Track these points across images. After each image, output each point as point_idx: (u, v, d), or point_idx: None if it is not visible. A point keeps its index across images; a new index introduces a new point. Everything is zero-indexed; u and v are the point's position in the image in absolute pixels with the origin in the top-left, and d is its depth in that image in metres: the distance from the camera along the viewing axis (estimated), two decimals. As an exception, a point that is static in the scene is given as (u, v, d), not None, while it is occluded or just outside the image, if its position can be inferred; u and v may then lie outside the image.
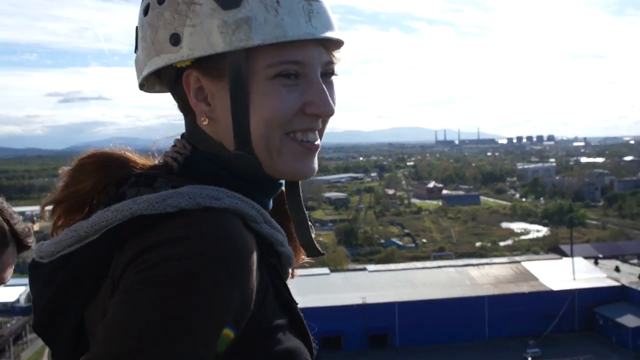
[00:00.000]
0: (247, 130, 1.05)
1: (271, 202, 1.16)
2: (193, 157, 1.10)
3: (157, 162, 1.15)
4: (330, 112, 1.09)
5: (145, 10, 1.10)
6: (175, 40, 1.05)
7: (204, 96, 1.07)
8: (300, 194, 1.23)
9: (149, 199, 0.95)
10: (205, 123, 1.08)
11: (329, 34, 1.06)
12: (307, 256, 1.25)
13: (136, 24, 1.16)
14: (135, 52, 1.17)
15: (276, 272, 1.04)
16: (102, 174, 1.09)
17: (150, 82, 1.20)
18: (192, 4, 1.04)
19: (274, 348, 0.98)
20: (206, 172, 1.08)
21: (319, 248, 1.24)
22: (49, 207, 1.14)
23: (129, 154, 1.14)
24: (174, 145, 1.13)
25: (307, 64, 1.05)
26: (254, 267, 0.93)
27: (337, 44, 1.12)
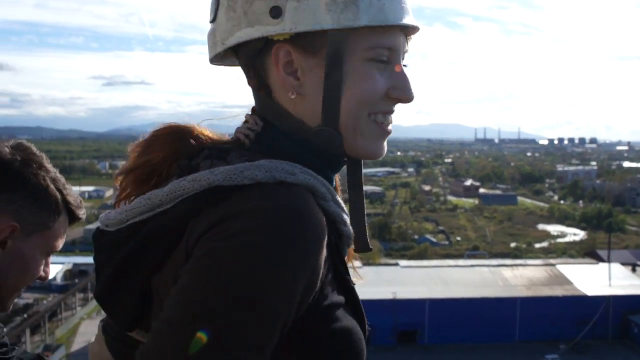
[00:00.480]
0: (337, 108, 1.07)
1: (334, 179, 1.18)
2: (265, 132, 1.11)
3: (227, 137, 1.16)
4: (412, 98, 1.12)
5: None
6: (277, 13, 1.04)
7: (293, 70, 1.08)
8: (362, 173, 1.23)
9: (227, 170, 0.96)
10: (292, 97, 1.09)
11: (414, 22, 1.12)
12: (355, 250, 1.21)
13: None
14: (211, 22, 1.15)
15: (337, 250, 1.05)
16: (175, 145, 1.10)
17: (224, 55, 1.19)
18: None
19: (331, 325, 0.99)
20: (277, 147, 1.08)
21: (369, 243, 1.22)
22: (120, 177, 1.17)
23: (201, 128, 1.15)
24: (246, 121, 1.14)
25: (396, 50, 1.10)
26: (324, 244, 0.94)
27: (413, 32, 1.16)
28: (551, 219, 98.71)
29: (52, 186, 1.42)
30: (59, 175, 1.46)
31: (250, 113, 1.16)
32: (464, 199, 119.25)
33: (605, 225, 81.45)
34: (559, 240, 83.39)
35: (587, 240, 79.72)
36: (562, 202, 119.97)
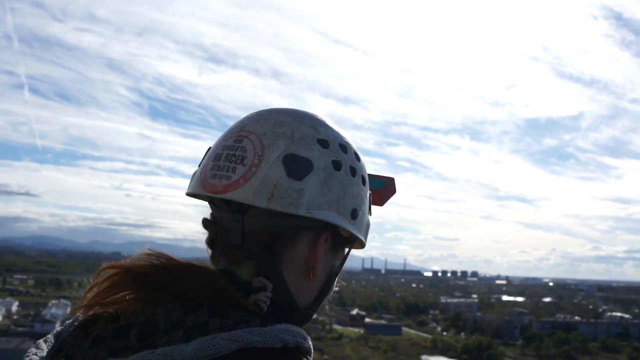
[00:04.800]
0: (324, 297, 1.27)
1: None
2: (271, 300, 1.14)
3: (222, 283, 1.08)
4: None
5: (338, 166, 1.18)
6: (355, 215, 1.20)
7: (321, 258, 1.19)
8: None
9: (264, 333, 0.97)
10: (312, 278, 1.19)
11: None
12: None
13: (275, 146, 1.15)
14: (293, 178, 1.13)
15: None
16: (215, 297, 1.04)
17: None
18: (366, 195, 1.26)
19: None
20: (272, 314, 1.10)
21: None
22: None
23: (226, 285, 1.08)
24: (263, 287, 1.13)
25: None
26: None
27: None
28: (434, 350, 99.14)
29: None
30: None
31: (261, 278, 1.14)
32: (349, 328, 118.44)
33: (485, 357, 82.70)
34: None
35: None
36: (445, 333, 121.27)
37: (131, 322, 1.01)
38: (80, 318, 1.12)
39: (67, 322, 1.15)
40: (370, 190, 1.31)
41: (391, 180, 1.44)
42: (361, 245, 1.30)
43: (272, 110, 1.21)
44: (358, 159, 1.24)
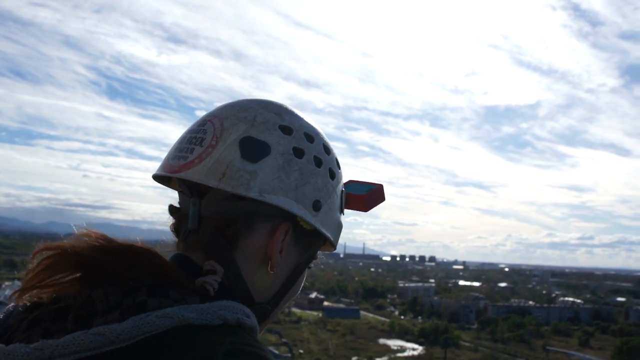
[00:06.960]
0: (285, 294, 1.18)
1: None
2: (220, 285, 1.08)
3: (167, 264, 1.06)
4: None
5: (300, 154, 1.14)
6: (317, 207, 1.14)
7: (280, 249, 1.13)
8: None
9: (201, 310, 0.94)
10: (271, 272, 1.13)
11: None
12: None
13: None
14: (247, 160, 1.10)
15: None
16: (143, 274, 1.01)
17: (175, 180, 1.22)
18: (334, 191, 1.20)
19: None
20: (218, 295, 1.04)
21: None
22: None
23: (157, 254, 1.06)
24: (212, 270, 1.08)
25: None
26: None
27: None
28: (392, 333, 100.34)
29: None
30: None
31: (212, 261, 1.10)
32: (308, 311, 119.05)
33: (441, 340, 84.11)
34: (399, 354, 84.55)
35: (425, 355, 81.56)
36: (402, 317, 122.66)
37: (70, 305, 0.98)
38: (27, 301, 1.06)
39: (19, 303, 1.08)
40: (355, 195, 1.31)
41: (379, 187, 1.37)
42: (331, 246, 1.25)
43: (242, 99, 1.20)
44: (327, 151, 1.20)
